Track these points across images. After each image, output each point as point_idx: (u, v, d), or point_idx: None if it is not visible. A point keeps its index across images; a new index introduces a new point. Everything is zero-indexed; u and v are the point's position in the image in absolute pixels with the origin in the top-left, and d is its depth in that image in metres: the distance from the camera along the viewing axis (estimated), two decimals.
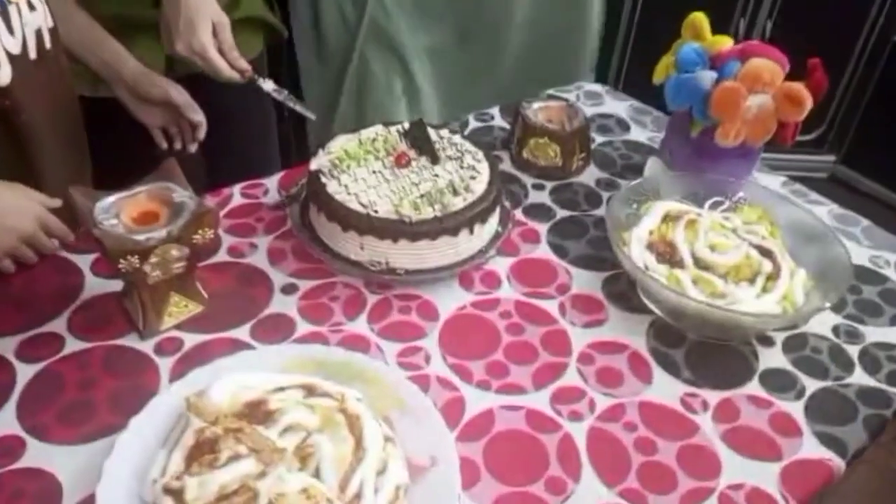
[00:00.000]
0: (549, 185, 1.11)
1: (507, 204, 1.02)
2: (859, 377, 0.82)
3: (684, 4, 2.18)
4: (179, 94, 1.06)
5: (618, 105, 1.33)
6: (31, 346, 0.79)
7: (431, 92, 1.57)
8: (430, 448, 0.68)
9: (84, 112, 1.01)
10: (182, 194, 0.78)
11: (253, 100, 1.14)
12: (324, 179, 0.92)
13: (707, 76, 0.99)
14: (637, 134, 1.25)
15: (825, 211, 1.09)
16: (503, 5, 1.58)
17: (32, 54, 0.87)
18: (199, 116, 1.08)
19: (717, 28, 2.33)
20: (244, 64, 0.99)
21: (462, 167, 0.96)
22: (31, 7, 0.87)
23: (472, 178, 0.95)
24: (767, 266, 0.84)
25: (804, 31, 2.26)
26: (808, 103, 0.95)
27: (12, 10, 0.84)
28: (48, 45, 0.90)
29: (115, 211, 0.77)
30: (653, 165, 1.11)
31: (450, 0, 1.56)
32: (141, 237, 0.74)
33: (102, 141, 1.03)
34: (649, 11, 2.24)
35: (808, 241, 0.91)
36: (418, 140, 1.00)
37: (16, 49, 0.85)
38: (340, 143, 1.00)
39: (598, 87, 1.38)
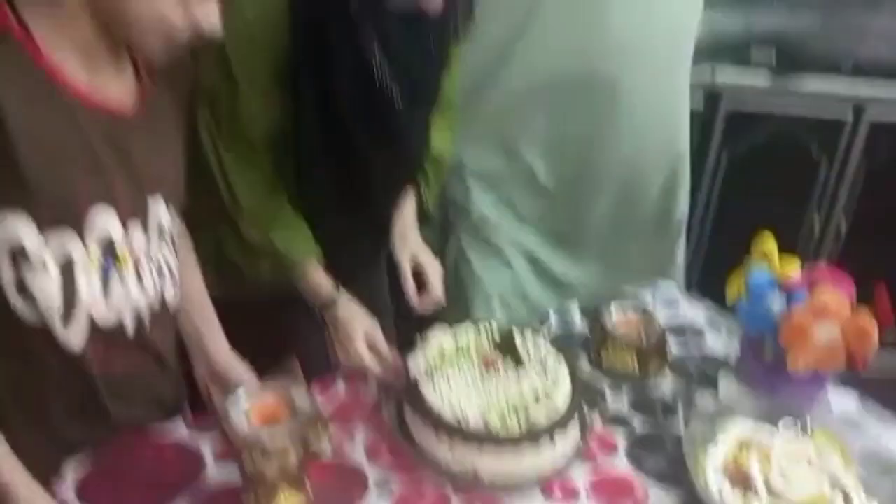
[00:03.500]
0: (627, 392, 1.17)
1: (586, 410, 1.09)
2: None
3: (761, 201, 2.28)
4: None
5: (693, 311, 1.41)
6: None
7: (527, 289, 1.68)
8: None
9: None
10: (302, 396, 0.90)
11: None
12: (420, 385, 1.03)
13: (777, 304, 1.06)
14: (712, 341, 1.31)
15: None
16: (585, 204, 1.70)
17: (130, 332, 0.92)
18: None
19: (793, 221, 2.42)
20: (398, 362, 1.13)
21: (545, 372, 1.06)
22: (140, 279, 0.91)
23: (554, 383, 1.04)
24: (840, 501, 0.87)
25: (882, 222, 2.32)
26: (875, 337, 1.01)
27: (113, 277, 0.88)
28: (148, 325, 0.94)
29: (243, 407, 0.89)
30: (727, 384, 1.16)
31: (550, 206, 1.67)
32: (265, 436, 0.85)
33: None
34: (726, 200, 2.35)
35: (882, 473, 0.93)
36: (505, 344, 1.11)
37: (108, 321, 0.88)
38: (438, 341, 1.12)
39: (674, 291, 1.47)
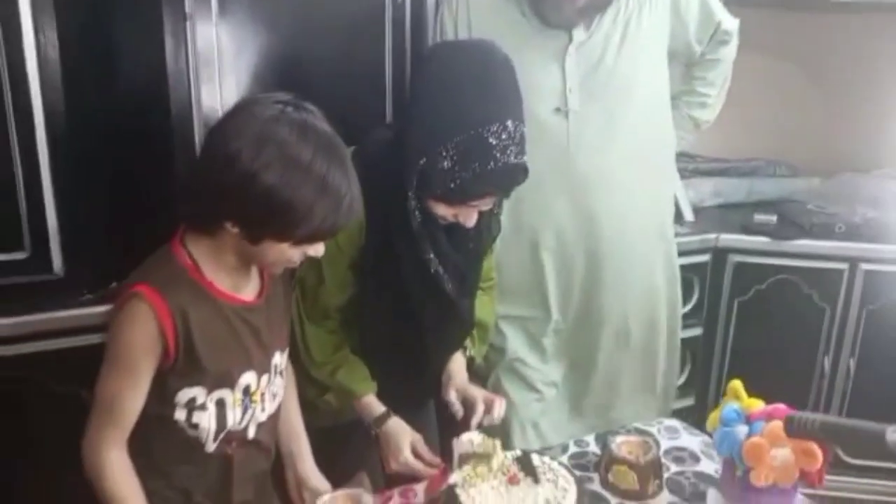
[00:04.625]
0: None
1: None
2: None
3: (775, 347, 2.53)
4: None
5: (691, 440, 1.67)
6: None
7: (557, 417, 2.00)
8: None
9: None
10: (369, 501, 1.22)
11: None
12: (458, 492, 1.32)
13: (742, 431, 1.33)
14: (705, 465, 1.56)
15: None
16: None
17: (251, 436, 1.29)
18: None
19: (806, 363, 2.73)
20: (437, 461, 1.43)
21: (556, 488, 1.34)
22: (263, 409, 1.31)
23: (564, 493, 1.31)
24: None
25: (886, 361, 2.52)
26: (820, 457, 1.26)
27: (248, 408, 1.27)
28: (261, 429, 1.32)
29: None
30: (713, 497, 1.41)
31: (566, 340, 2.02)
32: None
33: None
34: (741, 345, 2.61)
35: None
36: (525, 465, 1.40)
37: (238, 430, 1.26)
38: (472, 462, 1.41)
39: (676, 424, 1.74)
